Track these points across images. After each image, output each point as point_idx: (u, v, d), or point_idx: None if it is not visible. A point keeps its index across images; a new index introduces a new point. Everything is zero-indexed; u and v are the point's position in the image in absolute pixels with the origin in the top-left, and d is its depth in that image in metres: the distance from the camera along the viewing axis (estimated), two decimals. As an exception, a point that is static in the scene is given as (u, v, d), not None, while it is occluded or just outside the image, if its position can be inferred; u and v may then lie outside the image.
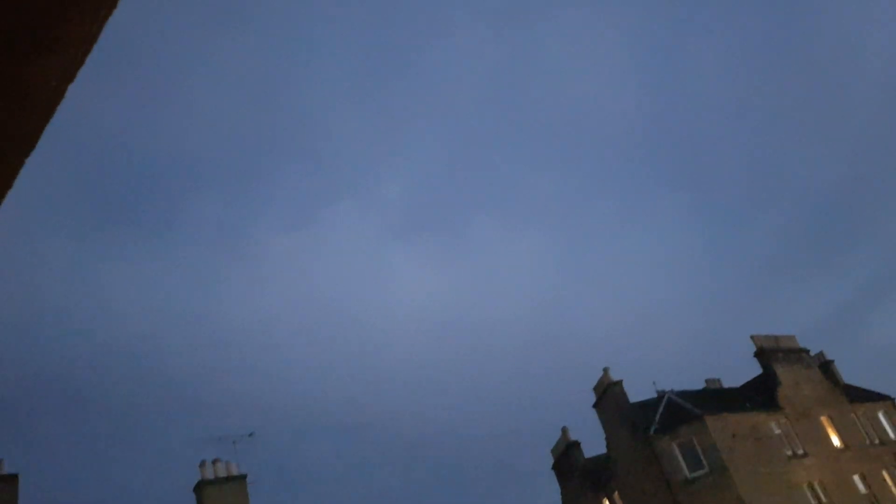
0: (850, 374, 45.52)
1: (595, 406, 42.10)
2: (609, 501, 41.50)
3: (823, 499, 37.20)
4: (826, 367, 43.86)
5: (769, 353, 42.05)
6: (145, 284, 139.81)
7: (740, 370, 44.05)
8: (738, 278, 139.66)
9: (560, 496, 45.51)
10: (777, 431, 39.03)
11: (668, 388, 41.70)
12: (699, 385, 43.46)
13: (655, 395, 41.61)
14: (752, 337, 42.48)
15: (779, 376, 41.45)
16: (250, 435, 29.82)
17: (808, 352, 43.10)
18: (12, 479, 23.59)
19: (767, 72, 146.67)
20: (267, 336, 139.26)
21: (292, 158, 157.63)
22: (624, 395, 41.19)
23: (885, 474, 40.45)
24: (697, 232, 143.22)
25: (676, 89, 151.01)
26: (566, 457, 44.39)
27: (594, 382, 42.07)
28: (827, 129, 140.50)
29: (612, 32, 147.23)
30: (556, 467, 45.35)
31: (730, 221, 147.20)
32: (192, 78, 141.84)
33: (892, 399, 43.16)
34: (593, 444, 43.78)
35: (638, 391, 42.20)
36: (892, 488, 40.00)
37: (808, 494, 37.09)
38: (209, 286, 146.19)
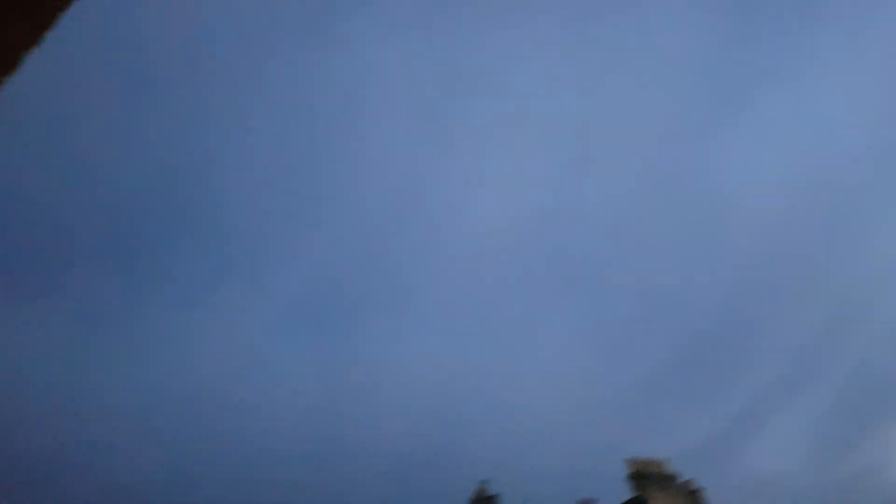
0: (719, 501, 46.04)
1: (467, 520, 40.95)
2: None
3: None
4: (695, 494, 44.26)
5: (642, 476, 42.22)
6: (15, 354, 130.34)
7: (613, 490, 43.87)
8: (621, 395, 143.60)
9: None
10: (645, 558, 38.72)
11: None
12: (572, 502, 43.05)
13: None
14: (626, 459, 42.67)
15: (649, 502, 41.52)
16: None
17: (679, 478, 43.52)
18: None
19: (658, 199, 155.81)
20: (143, 420, 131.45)
21: (190, 234, 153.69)
22: (497, 510, 40.31)
23: None
24: (585, 348, 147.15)
25: (570, 203, 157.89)
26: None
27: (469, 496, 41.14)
28: (711, 259, 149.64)
29: (512, 150, 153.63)
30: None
31: (617, 340, 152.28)
32: (87, 142, 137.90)
33: None
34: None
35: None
36: None
37: None
38: (86, 361, 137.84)
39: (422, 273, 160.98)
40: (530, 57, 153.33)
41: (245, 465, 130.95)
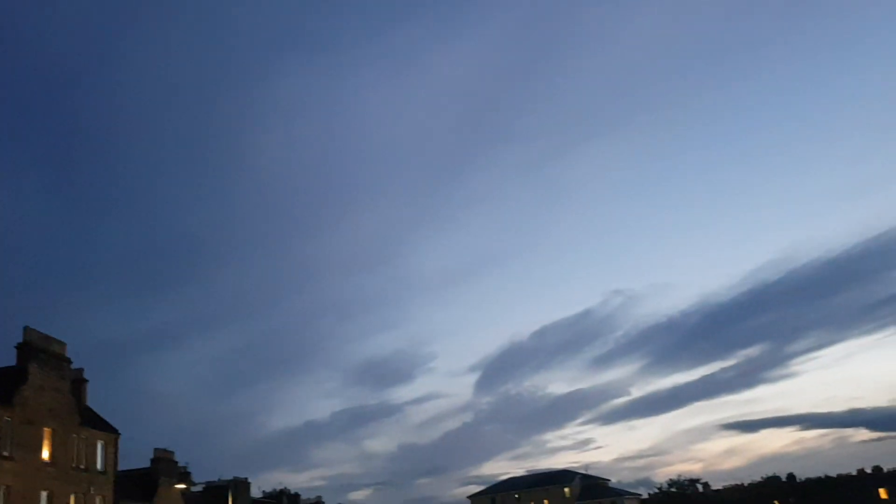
0: (104, 403, 46.63)
1: None
2: None
3: (7, 505, 36.80)
4: (78, 384, 44.48)
5: (33, 349, 41.33)
6: None
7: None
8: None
9: None
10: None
11: None
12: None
13: None
14: (26, 327, 41.61)
15: (29, 375, 40.81)
16: None
17: (70, 363, 43.37)
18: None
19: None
20: None
21: None
22: None
23: (73, 498, 41.57)
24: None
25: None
26: None
27: None
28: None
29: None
30: None
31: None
32: None
33: (118, 434, 45.08)
34: None
35: None
36: (74, 513, 41.26)
37: (-2, 497, 36.47)
38: None
39: None
40: None
41: None
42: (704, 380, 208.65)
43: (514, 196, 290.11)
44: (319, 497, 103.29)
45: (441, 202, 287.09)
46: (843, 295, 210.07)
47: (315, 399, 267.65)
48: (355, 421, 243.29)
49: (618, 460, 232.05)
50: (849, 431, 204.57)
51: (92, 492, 42.23)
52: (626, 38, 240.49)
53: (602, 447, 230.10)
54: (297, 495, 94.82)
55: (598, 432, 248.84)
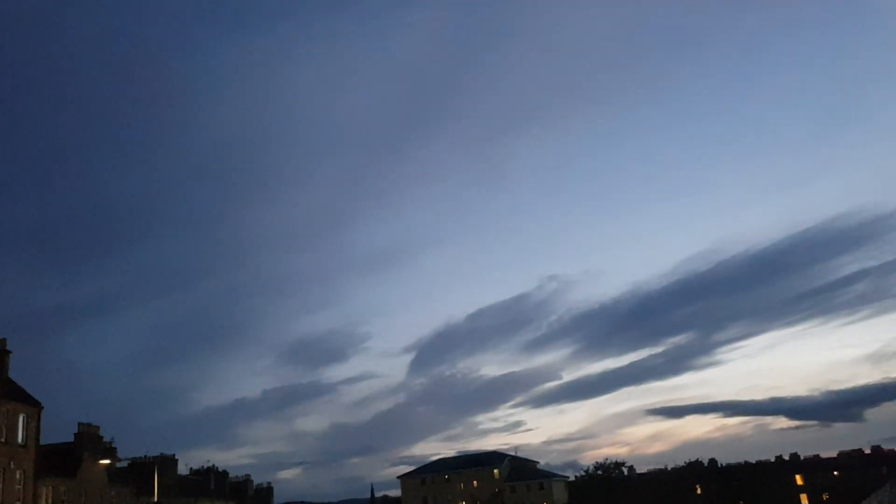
0: (27, 375, 44.40)
1: None
2: None
3: None
4: (1, 356, 42.34)
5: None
6: None
7: None
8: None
9: None
10: None
11: None
12: None
13: None
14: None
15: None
16: None
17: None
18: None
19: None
20: None
21: None
22: None
23: (-10, 472, 39.72)
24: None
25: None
26: None
27: None
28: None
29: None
30: None
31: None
32: None
33: (41, 407, 43.26)
34: None
35: None
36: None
37: None
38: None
39: None
40: None
41: None
42: (633, 366, 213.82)
43: (453, 179, 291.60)
44: (248, 475, 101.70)
45: (379, 182, 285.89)
46: (768, 287, 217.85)
47: (246, 376, 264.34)
48: (287, 400, 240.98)
49: (547, 443, 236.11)
50: (769, 419, 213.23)
51: (12, 466, 40.38)
52: (569, 31, 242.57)
53: (532, 430, 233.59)
54: (225, 473, 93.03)
55: (529, 415, 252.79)
